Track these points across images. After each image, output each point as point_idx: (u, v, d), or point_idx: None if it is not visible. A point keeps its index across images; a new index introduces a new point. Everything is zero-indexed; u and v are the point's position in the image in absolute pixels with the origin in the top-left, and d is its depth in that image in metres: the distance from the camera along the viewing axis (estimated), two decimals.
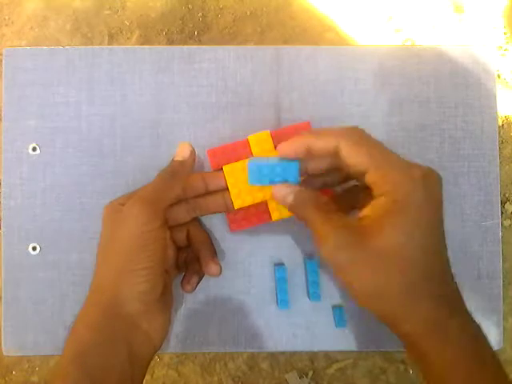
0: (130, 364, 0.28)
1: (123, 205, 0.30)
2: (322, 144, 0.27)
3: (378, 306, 0.26)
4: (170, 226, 0.33)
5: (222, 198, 0.33)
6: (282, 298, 0.36)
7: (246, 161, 0.34)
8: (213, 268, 0.33)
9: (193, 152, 0.33)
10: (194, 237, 0.34)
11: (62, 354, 0.28)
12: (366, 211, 0.26)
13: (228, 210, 0.34)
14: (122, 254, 0.28)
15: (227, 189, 0.33)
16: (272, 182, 0.30)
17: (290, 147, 0.29)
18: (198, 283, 0.34)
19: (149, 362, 0.30)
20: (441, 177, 0.26)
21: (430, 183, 0.25)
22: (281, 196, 0.29)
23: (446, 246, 0.26)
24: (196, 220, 0.35)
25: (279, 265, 0.37)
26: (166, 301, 0.31)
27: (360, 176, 0.27)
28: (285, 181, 0.29)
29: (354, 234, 0.25)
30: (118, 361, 0.28)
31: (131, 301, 0.28)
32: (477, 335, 0.26)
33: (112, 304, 0.28)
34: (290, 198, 0.28)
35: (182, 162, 0.32)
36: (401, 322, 0.25)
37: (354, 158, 0.26)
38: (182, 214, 0.33)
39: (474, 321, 0.26)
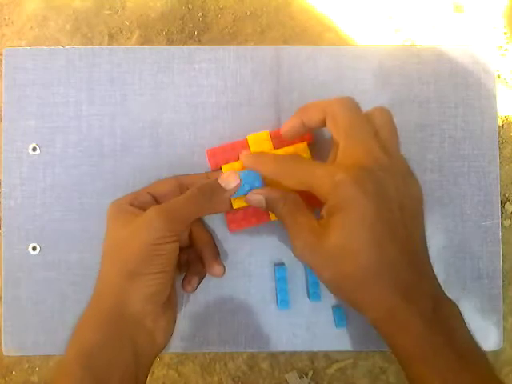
0: (134, 363, 0.28)
1: (132, 204, 0.31)
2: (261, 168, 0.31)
3: (343, 297, 0.28)
4: None
5: None
6: (282, 298, 0.36)
7: None
8: (216, 269, 0.33)
9: (238, 185, 0.31)
10: (197, 237, 0.34)
11: (65, 352, 0.28)
12: (322, 212, 0.28)
13: (231, 209, 0.34)
14: (134, 256, 0.28)
15: None
16: (243, 192, 0.31)
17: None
18: (199, 284, 0.34)
19: (153, 361, 0.30)
20: (374, 172, 0.26)
21: (358, 181, 0.26)
22: (255, 202, 0.31)
23: (400, 234, 0.26)
24: (199, 220, 0.35)
25: (279, 265, 0.37)
26: (171, 301, 0.31)
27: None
28: (253, 188, 0.31)
29: (314, 236, 0.27)
30: (122, 359, 0.28)
31: (139, 301, 0.28)
32: (439, 320, 0.26)
33: (118, 303, 0.28)
34: (263, 202, 0.30)
35: (222, 188, 0.31)
36: (361, 310, 0.27)
37: (286, 182, 0.29)
38: None
39: (445, 306, 0.27)
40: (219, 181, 0.31)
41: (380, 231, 0.25)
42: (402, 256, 0.26)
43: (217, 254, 0.35)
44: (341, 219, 0.26)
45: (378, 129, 0.28)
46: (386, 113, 0.30)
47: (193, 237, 0.34)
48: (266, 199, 0.30)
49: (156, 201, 0.33)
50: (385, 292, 0.26)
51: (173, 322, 0.31)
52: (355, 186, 0.25)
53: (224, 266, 0.34)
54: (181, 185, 0.34)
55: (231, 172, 0.31)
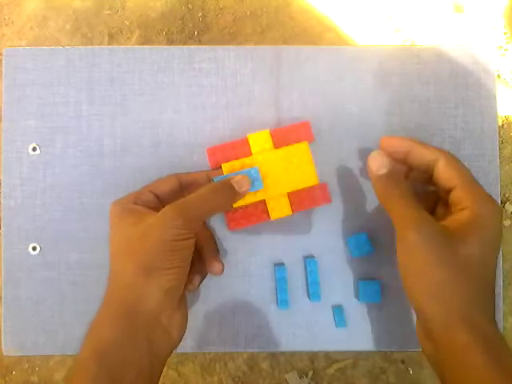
0: (149, 360, 0.28)
1: (135, 204, 0.31)
2: (424, 152, 0.31)
3: (437, 306, 0.27)
4: None
5: None
6: (281, 298, 0.36)
7: (245, 159, 0.34)
8: (216, 266, 0.33)
9: (247, 190, 0.33)
10: (197, 234, 0.34)
11: (81, 350, 0.28)
12: (447, 222, 0.29)
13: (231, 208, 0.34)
14: (150, 253, 0.28)
15: None
16: None
17: (398, 141, 0.32)
18: (201, 283, 0.34)
19: (166, 359, 0.30)
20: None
21: (501, 214, 0.29)
22: (375, 164, 0.31)
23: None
24: None
25: (279, 265, 0.37)
26: (184, 297, 0.32)
27: (445, 190, 0.30)
28: (253, 187, 0.32)
29: (444, 233, 0.27)
30: (137, 356, 0.28)
31: (155, 297, 0.28)
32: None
33: (134, 300, 0.28)
34: (383, 170, 0.31)
35: (234, 189, 0.32)
36: (457, 328, 0.26)
37: (448, 172, 0.30)
38: None
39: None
40: (232, 182, 0.32)
41: (496, 263, 0.28)
42: (495, 283, 0.29)
43: (216, 251, 0.35)
44: (485, 232, 0.28)
45: None
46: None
47: None
48: (389, 170, 0.30)
49: (158, 199, 0.33)
50: (486, 316, 0.27)
51: (186, 317, 0.32)
52: (501, 218, 0.28)
53: (223, 264, 0.34)
54: (181, 183, 0.34)
55: (243, 177, 0.32)
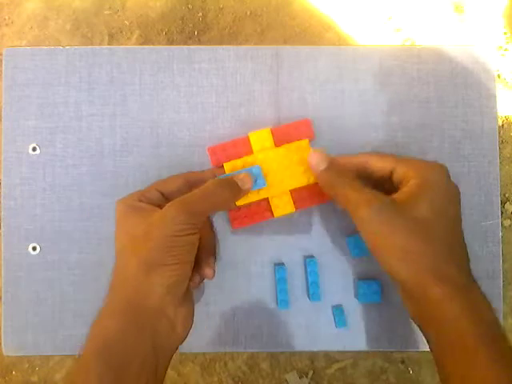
0: (154, 354, 0.28)
1: (141, 201, 0.31)
2: (354, 158, 0.33)
3: (408, 268, 0.28)
4: None
5: None
6: (282, 298, 0.36)
7: (247, 158, 0.34)
8: (206, 271, 0.33)
9: (250, 189, 0.33)
10: (200, 232, 0.34)
11: (84, 347, 0.28)
12: (396, 195, 0.30)
13: (234, 207, 0.34)
14: (154, 249, 0.28)
15: None
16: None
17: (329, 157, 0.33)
18: (201, 282, 0.34)
19: (172, 354, 0.30)
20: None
21: (447, 174, 0.30)
22: (315, 161, 0.32)
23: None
24: (207, 218, 0.36)
25: (279, 265, 0.37)
26: (189, 293, 0.32)
27: (385, 178, 0.32)
28: (255, 185, 0.33)
29: (394, 203, 0.29)
30: (142, 350, 0.28)
31: (158, 293, 0.28)
32: (491, 306, 0.28)
33: (138, 296, 0.28)
34: (323, 165, 0.32)
35: (238, 186, 0.32)
36: (429, 284, 0.27)
37: (381, 161, 0.32)
38: None
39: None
40: (235, 179, 0.32)
41: (460, 221, 0.30)
42: (464, 245, 0.30)
43: (211, 255, 0.35)
44: (437, 194, 0.29)
45: None
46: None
47: None
48: (328, 164, 0.32)
49: (163, 197, 0.33)
50: (456, 268, 0.28)
51: (191, 314, 0.31)
52: (449, 178, 0.30)
53: (214, 270, 0.33)
54: (189, 182, 0.34)
55: (246, 175, 0.33)
